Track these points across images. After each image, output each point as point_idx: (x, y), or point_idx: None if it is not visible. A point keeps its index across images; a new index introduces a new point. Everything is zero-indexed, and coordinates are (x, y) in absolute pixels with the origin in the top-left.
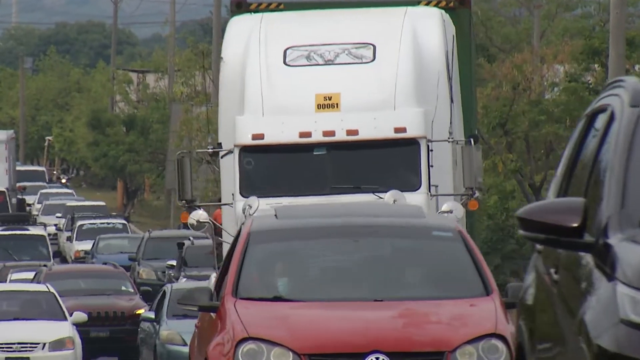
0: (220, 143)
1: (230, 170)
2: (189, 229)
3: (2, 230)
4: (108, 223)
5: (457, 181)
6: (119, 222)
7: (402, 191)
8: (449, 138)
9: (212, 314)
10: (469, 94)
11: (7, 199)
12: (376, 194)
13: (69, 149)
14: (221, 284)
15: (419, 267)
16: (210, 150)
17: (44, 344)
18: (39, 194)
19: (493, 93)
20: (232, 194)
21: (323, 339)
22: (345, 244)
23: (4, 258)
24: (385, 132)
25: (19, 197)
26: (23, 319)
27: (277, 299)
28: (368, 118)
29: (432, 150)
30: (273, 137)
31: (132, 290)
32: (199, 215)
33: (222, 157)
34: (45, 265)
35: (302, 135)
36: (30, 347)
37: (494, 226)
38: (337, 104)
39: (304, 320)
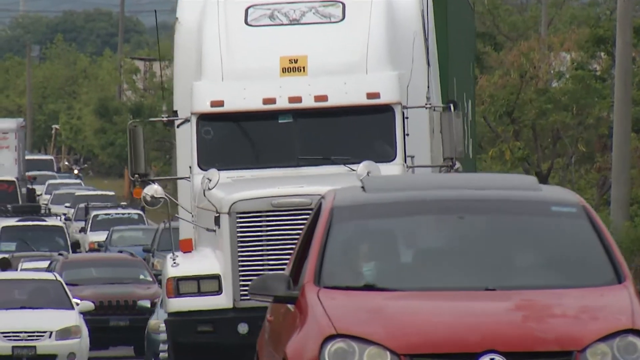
0: (176, 111)
1: (187, 141)
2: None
3: (19, 221)
4: (123, 214)
5: (435, 151)
6: (134, 212)
7: (375, 162)
8: (426, 104)
9: (289, 305)
10: (446, 57)
11: (17, 188)
12: (347, 165)
13: (75, 137)
14: (298, 269)
15: (537, 249)
16: (165, 119)
17: (51, 333)
18: (46, 184)
19: (500, 81)
20: (190, 167)
21: (426, 336)
22: (448, 222)
23: (22, 249)
24: (357, 98)
25: (29, 187)
26: (29, 308)
27: (369, 287)
28: (338, 83)
29: (407, 118)
30: (234, 104)
31: (151, 279)
32: (154, 190)
33: (177, 127)
34: (61, 254)
35: (265, 101)
36: (37, 335)
37: None
38: (303, 68)
39: (403, 314)
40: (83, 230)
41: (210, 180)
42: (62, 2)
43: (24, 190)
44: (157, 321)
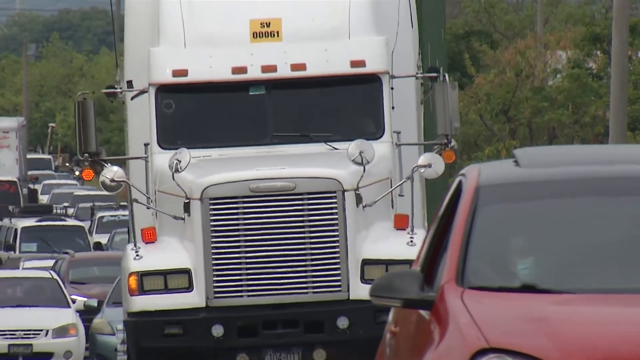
0: (130, 81)
1: (141, 115)
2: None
3: (39, 221)
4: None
5: (420, 128)
6: None
7: (362, 139)
8: (417, 73)
9: (422, 312)
10: (420, 20)
11: (19, 189)
12: (328, 143)
13: (72, 135)
14: (432, 264)
15: None
16: (119, 90)
17: (47, 331)
18: (42, 183)
19: (496, 80)
20: (146, 145)
21: (609, 352)
22: (628, 206)
23: (43, 249)
24: (340, 66)
25: (30, 187)
26: (26, 306)
27: (527, 288)
28: (317, 49)
29: (392, 89)
30: (199, 73)
31: None
32: (114, 172)
33: (132, 99)
34: (66, 253)
35: (235, 70)
36: (33, 333)
37: None
38: (277, 32)
39: (576, 323)
40: (88, 231)
41: (180, 161)
42: (59, 0)
43: (25, 190)
44: (102, 320)
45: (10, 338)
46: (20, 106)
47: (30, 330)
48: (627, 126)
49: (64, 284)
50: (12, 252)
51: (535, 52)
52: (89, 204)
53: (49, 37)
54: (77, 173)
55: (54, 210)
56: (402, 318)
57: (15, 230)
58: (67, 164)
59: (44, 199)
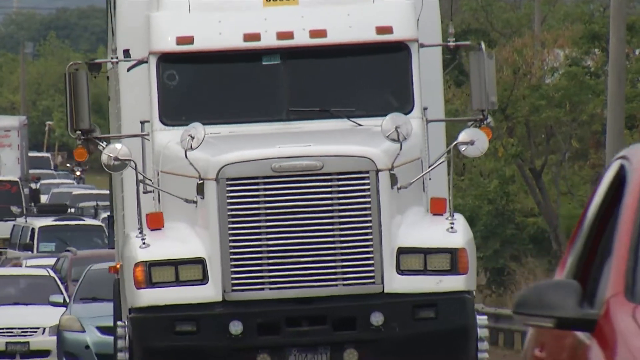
0: (128, 50)
1: (139, 87)
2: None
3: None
4: None
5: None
6: None
7: (386, 114)
8: (449, 40)
9: (579, 333)
10: None
11: (21, 189)
12: (352, 119)
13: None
14: (586, 272)
15: None
16: (114, 60)
17: (44, 329)
18: (39, 183)
19: None
20: (142, 122)
21: None
22: None
23: (61, 249)
24: (364, 33)
25: (32, 186)
26: (23, 304)
27: None
28: (339, 14)
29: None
30: (207, 41)
31: None
32: (117, 150)
33: (128, 70)
34: (68, 250)
35: (247, 37)
36: (30, 331)
37: (494, 211)
38: None
39: None
40: None
41: (193, 138)
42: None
43: (27, 190)
44: (70, 317)
45: (8, 336)
46: (17, 104)
47: (27, 328)
48: (625, 124)
49: (64, 281)
50: (30, 251)
51: (533, 51)
52: (88, 203)
53: (46, 35)
54: (77, 173)
55: (69, 210)
56: (552, 341)
57: (33, 229)
58: (68, 165)
59: (42, 198)
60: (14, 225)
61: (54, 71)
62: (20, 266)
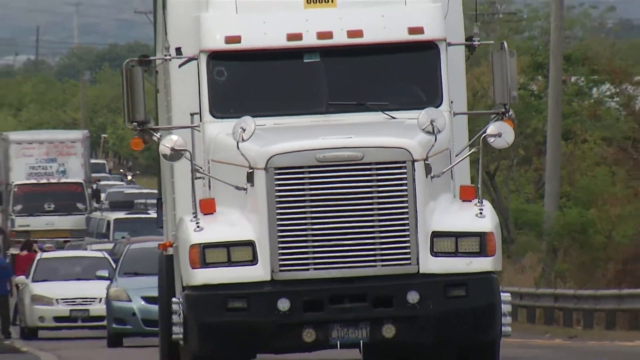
0: (179, 48)
1: (189, 83)
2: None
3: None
4: None
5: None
6: None
7: (417, 108)
8: (473, 39)
9: None
10: None
11: (84, 189)
12: (386, 112)
13: (120, 144)
14: None
15: None
16: (168, 57)
17: (100, 299)
18: (97, 185)
19: None
20: (193, 115)
21: None
22: None
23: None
24: (397, 33)
25: (93, 187)
26: (84, 279)
27: None
28: (374, 15)
29: None
30: (253, 40)
31: None
32: (174, 141)
33: (179, 67)
34: (124, 237)
35: (290, 37)
36: (89, 301)
37: None
38: None
39: None
40: None
41: (244, 130)
42: (109, 36)
43: (89, 190)
44: (118, 289)
45: (72, 305)
46: (78, 121)
47: (87, 298)
48: (562, 136)
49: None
50: (106, 239)
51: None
52: (138, 200)
53: (101, 65)
54: (129, 177)
55: (134, 205)
56: None
57: (108, 221)
58: (122, 170)
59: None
60: (90, 218)
61: (107, 94)
62: (86, 249)
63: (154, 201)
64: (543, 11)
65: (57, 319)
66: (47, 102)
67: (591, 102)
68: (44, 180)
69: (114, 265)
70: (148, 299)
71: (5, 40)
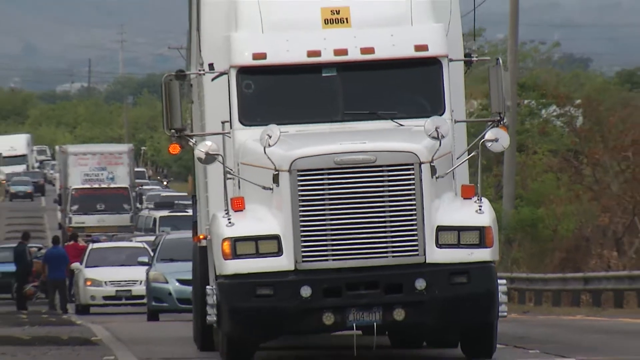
0: (212, 64)
1: (220, 95)
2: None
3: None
4: None
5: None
6: None
7: (422, 117)
8: (472, 55)
9: None
10: None
11: (129, 193)
12: (395, 120)
13: (157, 155)
14: None
15: None
16: (202, 72)
17: (141, 281)
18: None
19: None
20: (224, 123)
21: None
22: None
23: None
24: (405, 50)
25: (137, 191)
26: (128, 265)
27: None
28: (384, 34)
29: None
30: (277, 56)
31: None
32: (207, 146)
33: (212, 81)
34: (163, 231)
35: (310, 54)
36: (132, 282)
37: None
38: (346, 19)
39: None
40: None
41: (270, 137)
42: (147, 67)
43: (134, 194)
44: (156, 272)
45: (117, 286)
46: (122, 136)
47: (129, 280)
48: (517, 149)
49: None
50: (153, 233)
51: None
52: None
53: (141, 91)
54: (165, 183)
55: (175, 205)
56: None
57: (154, 218)
58: (158, 177)
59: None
60: (139, 216)
61: (145, 115)
62: (130, 241)
63: (187, 202)
64: (501, 47)
65: (106, 297)
66: (97, 121)
67: (540, 120)
68: (96, 185)
69: (151, 253)
70: (182, 281)
71: (64, 71)
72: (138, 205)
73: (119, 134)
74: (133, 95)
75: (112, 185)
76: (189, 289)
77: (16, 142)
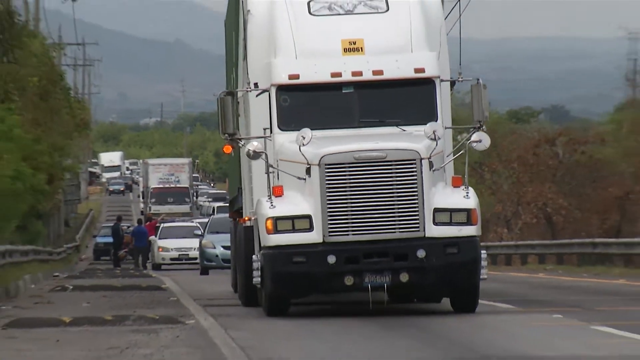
0: (257, 83)
1: (263, 107)
2: None
3: (225, 203)
4: None
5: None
6: None
7: (420, 124)
8: (459, 78)
9: None
10: None
11: (189, 190)
12: (399, 127)
13: (205, 165)
14: None
15: None
16: (250, 89)
17: (194, 248)
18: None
19: None
20: (265, 129)
21: None
22: None
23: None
24: (407, 72)
25: (194, 190)
26: (186, 237)
27: None
28: (391, 60)
29: None
30: (307, 77)
31: None
32: (255, 146)
33: (257, 96)
34: (211, 215)
35: (333, 75)
36: (189, 249)
37: None
38: (361, 48)
39: None
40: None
41: (304, 138)
42: (200, 108)
43: (192, 191)
44: (207, 240)
45: (179, 252)
46: (183, 153)
47: (188, 247)
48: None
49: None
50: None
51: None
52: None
53: (196, 124)
54: (212, 185)
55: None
56: None
57: (213, 207)
58: (207, 180)
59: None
60: (202, 205)
61: (198, 140)
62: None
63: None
64: None
65: (172, 259)
66: (167, 143)
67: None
68: (167, 186)
69: (202, 231)
70: (224, 247)
71: (145, 110)
72: (195, 199)
73: (181, 152)
74: (190, 127)
75: (177, 186)
76: (229, 252)
77: (113, 157)
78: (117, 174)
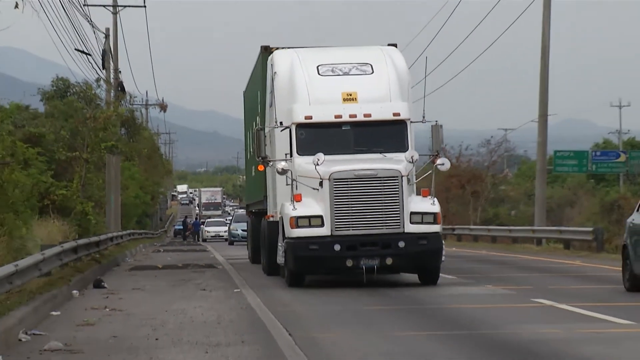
0: (282, 122)
1: (285, 139)
2: None
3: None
4: None
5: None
6: None
7: (396, 152)
8: (423, 120)
9: None
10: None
11: (220, 204)
12: (382, 153)
13: (230, 190)
14: None
15: None
16: (278, 127)
17: (225, 230)
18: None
19: None
20: (286, 154)
21: None
22: None
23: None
24: (387, 115)
25: (223, 204)
26: (219, 225)
27: None
28: (376, 107)
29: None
30: (318, 117)
31: None
32: (283, 165)
33: (281, 131)
34: (234, 210)
35: (336, 117)
36: (222, 231)
37: None
38: (355, 98)
39: None
40: None
41: (319, 160)
42: (227, 162)
43: (222, 204)
44: (233, 226)
45: (217, 233)
46: (217, 185)
47: (221, 230)
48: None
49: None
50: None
51: None
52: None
53: (223, 172)
54: (231, 201)
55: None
56: None
57: (234, 211)
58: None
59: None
60: (227, 211)
61: (226, 179)
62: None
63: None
64: None
65: (212, 236)
66: (209, 181)
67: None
68: (210, 201)
69: (227, 221)
70: (243, 230)
71: (201, 163)
72: (224, 207)
73: (216, 185)
74: (220, 172)
75: (215, 201)
76: (245, 232)
77: (183, 187)
78: (184, 195)
